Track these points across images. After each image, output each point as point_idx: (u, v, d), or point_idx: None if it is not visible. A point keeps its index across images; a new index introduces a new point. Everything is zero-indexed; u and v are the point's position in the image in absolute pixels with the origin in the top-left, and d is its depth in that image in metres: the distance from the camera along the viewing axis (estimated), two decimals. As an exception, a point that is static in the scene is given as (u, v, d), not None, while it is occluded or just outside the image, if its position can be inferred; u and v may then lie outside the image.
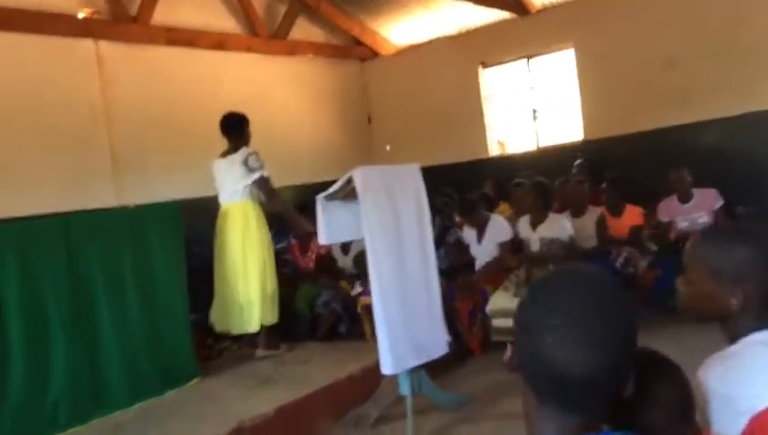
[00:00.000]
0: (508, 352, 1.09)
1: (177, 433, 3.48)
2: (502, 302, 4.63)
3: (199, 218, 5.83)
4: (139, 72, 6.03)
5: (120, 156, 5.84)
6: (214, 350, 5.20)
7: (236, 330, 4.78)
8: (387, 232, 3.50)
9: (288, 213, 5.16)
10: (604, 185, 5.50)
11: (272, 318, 4.77)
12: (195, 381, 4.38)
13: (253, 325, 4.71)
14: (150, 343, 4.20)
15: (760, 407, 1.23)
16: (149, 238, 4.33)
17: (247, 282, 4.68)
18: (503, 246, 5.10)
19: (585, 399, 1.00)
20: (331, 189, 3.67)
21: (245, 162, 4.68)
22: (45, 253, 3.82)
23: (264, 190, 4.78)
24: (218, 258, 4.82)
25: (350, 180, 3.49)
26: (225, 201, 4.84)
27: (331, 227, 3.77)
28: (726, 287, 1.31)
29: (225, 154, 4.85)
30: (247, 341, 4.91)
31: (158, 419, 3.77)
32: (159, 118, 6.12)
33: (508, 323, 4.55)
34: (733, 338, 1.32)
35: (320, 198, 3.74)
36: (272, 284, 4.76)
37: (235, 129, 4.84)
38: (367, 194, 3.42)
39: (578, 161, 6.41)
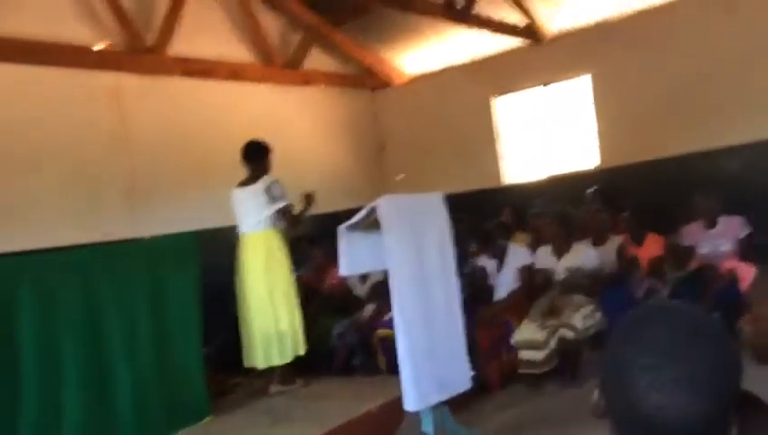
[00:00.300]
0: (595, 396, 1.03)
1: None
2: (528, 333, 4.52)
3: (214, 249, 5.79)
4: (155, 103, 6.05)
5: (136, 187, 5.82)
6: (226, 385, 5.09)
7: (263, 363, 4.65)
8: (410, 263, 3.42)
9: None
10: (625, 213, 5.41)
11: (302, 349, 4.67)
12: (207, 419, 4.26)
13: (285, 357, 4.60)
14: (163, 380, 4.09)
15: None
16: (166, 270, 4.26)
17: (276, 313, 4.58)
18: (522, 271, 5.01)
19: None
20: (354, 219, 3.59)
21: (268, 190, 4.61)
22: (61, 286, 3.76)
23: (288, 219, 4.69)
24: (242, 290, 4.71)
25: (373, 210, 3.42)
26: (247, 231, 4.75)
27: (351, 257, 3.68)
28: None
29: (244, 183, 4.78)
30: (266, 375, 4.77)
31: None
32: (175, 148, 6.12)
33: (536, 355, 4.45)
34: None
35: (341, 228, 3.66)
36: (298, 314, 4.67)
37: (258, 157, 4.77)
38: (391, 224, 3.35)
39: (590, 190, 6.33)
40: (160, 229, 5.61)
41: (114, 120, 5.75)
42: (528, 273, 5.03)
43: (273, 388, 4.68)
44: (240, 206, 4.77)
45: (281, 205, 4.62)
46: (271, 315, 4.58)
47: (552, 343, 4.43)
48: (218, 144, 6.39)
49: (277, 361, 4.61)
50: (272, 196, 4.61)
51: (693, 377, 0.88)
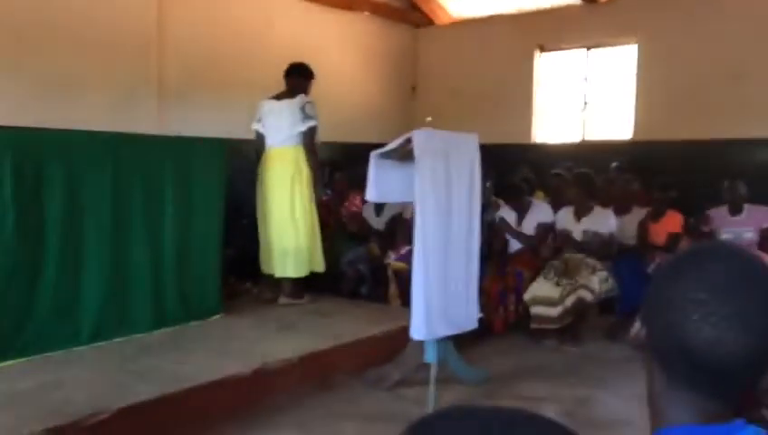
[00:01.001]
0: (636, 326, 1.04)
1: (202, 364, 3.47)
2: (543, 290, 4.58)
3: (237, 160, 5.82)
4: (196, 7, 5.96)
5: (167, 85, 5.80)
6: (237, 289, 5.22)
7: (279, 272, 4.77)
8: (438, 198, 3.45)
9: (314, 172, 4.94)
10: (659, 185, 5.40)
11: (319, 267, 4.77)
12: (218, 316, 4.40)
13: (300, 271, 4.71)
14: (180, 272, 4.20)
15: None
16: (193, 170, 4.31)
17: (296, 227, 4.67)
18: (540, 227, 5.05)
19: (722, 384, 0.93)
20: (388, 147, 3.61)
21: (303, 108, 4.64)
22: (92, 167, 3.80)
23: (309, 140, 4.73)
24: (265, 200, 4.78)
25: (408, 140, 3.43)
26: (275, 144, 4.77)
27: (380, 185, 3.72)
28: None
29: (279, 97, 4.79)
30: (271, 285, 4.88)
31: (182, 347, 3.79)
32: (208, 57, 6.06)
33: (551, 311, 4.51)
34: None
35: (374, 154, 3.68)
36: (318, 232, 4.77)
37: (302, 76, 4.81)
38: (425, 156, 3.37)
39: (614, 163, 6.30)
40: (185, 131, 5.62)
41: (153, 16, 5.68)
42: (546, 231, 5.06)
43: (283, 299, 4.80)
44: (272, 117, 4.78)
45: (311, 123, 4.66)
46: (291, 228, 4.66)
47: (569, 302, 4.49)
48: (253, 59, 6.35)
49: (292, 273, 4.72)
50: (306, 114, 4.65)
51: (745, 314, 0.89)
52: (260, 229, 4.85)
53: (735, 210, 5.09)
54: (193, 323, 4.20)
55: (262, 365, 3.48)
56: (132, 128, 5.29)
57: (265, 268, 4.86)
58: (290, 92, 4.76)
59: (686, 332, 0.90)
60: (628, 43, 6.87)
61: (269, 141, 4.82)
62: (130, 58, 5.55)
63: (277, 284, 4.87)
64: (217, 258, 4.42)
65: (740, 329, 0.89)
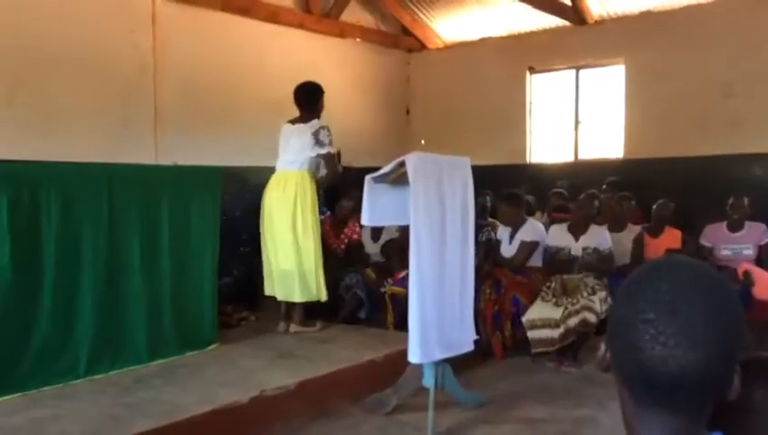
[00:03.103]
0: (601, 350, 1.04)
1: (198, 394, 3.46)
2: (543, 312, 4.56)
3: (234, 187, 5.87)
4: (191, 34, 6.02)
5: (164, 114, 5.84)
6: (233, 319, 5.21)
7: (282, 296, 4.74)
8: (432, 221, 3.46)
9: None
10: (660, 202, 5.44)
11: (323, 295, 4.72)
12: (214, 346, 4.39)
13: (306, 295, 4.66)
14: (176, 302, 4.20)
15: None
16: (189, 199, 4.33)
17: (301, 252, 4.62)
18: (523, 244, 5.05)
19: (684, 400, 0.95)
20: (382, 171, 3.63)
21: (316, 134, 4.65)
22: (88, 197, 3.83)
23: (330, 166, 4.76)
24: (269, 223, 4.73)
25: (402, 164, 3.46)
26: (282, 167, 4.78)
27: (374, 209, 3.74)
28: None
29: (295, 121, 4.80)
30: (283, 313, 4.84)
31: (178, 378, 3.77)
32: (205, 84, 6.11)
33: (552, 333, 4.49)
34: None
35: (368, 178, 3.71)
36: (321, 258, 4.72)
37: (311, 98, 4.81)
38: (418, 180, 3.39)
39: (609, 179, 6.34)
40: (183, 161, 5.66)
41: (149, 46, 5.74)
42: (527, 250, 5.04)
43: (293, 327, 4.76)
44: (282, 141, 4.80)
45: (325, 151, 4.66)
46: (295, 253, 4.61)
47: (571, 323, 4.46)
48: (249, 86, 6.41)
49: (298, 298, 4.67)
50: (319, 140, 4.64)
51: (691, 330, 0.91)
52: (263, 253, 4.81)
53: (736, 227, 5.11)
54: (189, 354, 4.18)
55: (259, 393, 3.46)
56: (129, 158, 5.33)
57: (268, 290, 4.82)
58: (305, 117, 4.76)
59: (641, 351, 0.93)
60: (616, 64, 6.96)
61: (277, 163, 4.83)
62: (126, 88, 5.60)
63: (286, 313, 4.84)
64: (213, 288, 4.42)
65: (687, 345, 0.91)
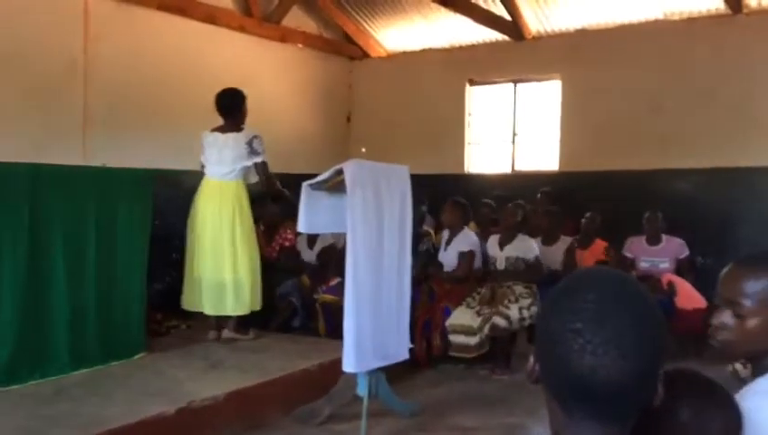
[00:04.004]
0: (530, 363, 1.04)
1: (122, 405, 3.31)
2: (463, 318, 4.63)
3: (167, 191, 5.69)
4: (124, 33, 5.82)
5: (93, 115, 5.62)
6: (162, 327, 5.05)
7: (212, 311, 4.60)
8: (369, 230, 3.45)
9: (283, 195, 4.96)
10: (588, 215, 5.60)
11: (258, 305, 4.65)
12: (141, 355, 4.23)
13: (240, 308, 4.57)
14: (102, 309, 4.02)
15: None
16: (117, 202, 4.16)
17: (236, 263, 4.53)
18: (461, 255, 5.10)
19: (612, 409, 0.96)
20: (319, 178, 3.60)
21: (250, 144, 4.58)
22: (7, 199, 3.63)
23: (264, 175, 4.68)
24: (199, 234, 4.61)
25: (340, 171, 3.43)
26: (215, 176, 4.64)
27: (311, 216, 3.70)
28: None
29: (223, 130, 4.68)
30: (213, 323, 4.71)
31: (102, 388, 3.60)
32: (139, 83, 5.92)
33: (468, 340, 4.55)
34: (757, 373, 1.31)
35: (305, 185, 3.66)
36: (259, 269, 4.65)
37: (233, 105, 4.70)
38: (356, 188, 3.37)
39: (543, 189, 6.50)
40: (112, 163, 5.44)
41: (80, 44, 5.52)
42: (467, 260, 5.10)
43: (226, 333, 4.65)
44: (215, 150, 4.66)
45: (259, 160, 4.59)
46: (230, 264, 4.52)
47: (486, 329, 4.54)
48: (185, 88, 6.24)
49: (231, 311, 4.58)
50: (253, 149, 4.57)
51: (619, 340, 0.92)
52: (188, 263, 4.68)
53: (654, 240, 5.31)
54: (114, 364, 4.01)
55: (187, 404, 3.35)
56: (55, 159, 5.06)
57: (188, 305, 4.68)
58: (234, 126, 4.66)
59: (570, 362, 0.93)
60: (553, 79, 7.15)
61: (208, 173, 4.69)
62: (54, 85, 5.35)
63: (217, 322, 4.70)
64: (142, 294, 4.26)
65: (616, 354, 0.92)
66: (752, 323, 1.31)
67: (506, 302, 4.65)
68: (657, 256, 5.29)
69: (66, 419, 3.12)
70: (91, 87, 5.59)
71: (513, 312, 4.59)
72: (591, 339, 0.92)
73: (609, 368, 0.91)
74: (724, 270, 1.37)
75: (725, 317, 1.34)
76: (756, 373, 1.31)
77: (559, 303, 0.98)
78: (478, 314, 4.63)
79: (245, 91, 4.88)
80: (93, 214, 4.01)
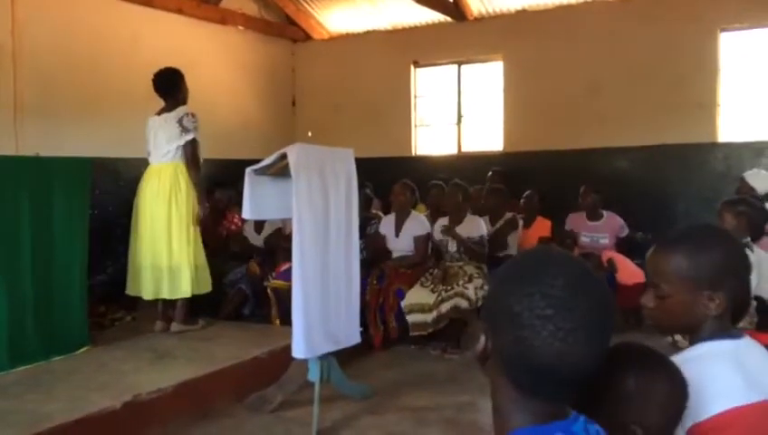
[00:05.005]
0: (481, 341, 1.04)
1: (65, 401, 3.21)
2: (419, 297, 4.67)
3: (106, 180, 5.52)
4: (55, 16, 5.57)
5: (24, 101, 5.37)
6: (106, 319, 4.92)
7: (151, 295, 4.50)
8: (316, 214, 3.42)
9: (196, 187, 4.75)
10: (526, 194, 5.70)
11: (205, 287, 4.55)
12: (84, 349, 4.11)
13: (175, 293, 4.46)
14: (40, 303, 3.88)
15: (700, 419, 1.26)
16: (53, 192, 4.00)
17: (171, 247, 4.41)
18: (418, 240, 5.13)
19: (568, 390, 0.99)
20: (263, 163, 3.54)
21: (180, 121, 4.44)
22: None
23: (190, 154, 4.50)
24: (139, 218, 4.50)
25: (283, 156, 3.38)
26: (154, 161, 4.54)
27: (256, 202, 3.64)
28: (705, 295, 1.31)
29: (160, 112, 4.57)
30: (160, 314, 4.60)
31: (44, 384, 3.49)
32: (74, 68, 5.68)
33: (425, 317, 4.61)
34: (691, 342, 1.36)
35: (249, 171, 3.60)
36: (202, 251, 4.54)
37: (170, 85, 4.56)
38: (300, 172, 3.33)
39: (494, 168, 6.59)
40: (47, 151, 5.21)
41: (7, 28, 5.26)
42: (424, 243, 5.15)
43: (176, 326, 4.55)
44: (153, 134, 4.55)
45: (189, 137, 4.45)
46: (166, 248, 4.42)
47: (444, 308, 4.60)
48: (122, 73, 6.02)
49: (166, 295, 4.48)
50: (183, 127, 4.44)
51: (588, 327, 0.95)
52: (131, 249, 4.56)
53: (594, 216, 5.47)
54: (56, 359, 3.88)
55: (133, 398, 3.27)
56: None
57: (131, 290, 4.58)
58: (170, 106, 4.53)
59: (536, 347, 0.94)
60: (495, 60, 7.21)
61: (150, 158, 4.59)
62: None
63: (164, 312, 4.61)
64: (82, 287, 4.12)
65: (584, 341, 0.94)
66: (671, 302, 1.35)
67: (461, 283, 4.69)
68: (598, 232, 5.44)
69: (6, 416, 3.01)
70: (21, 73, 5.33)
71: (471, 292, 4.64)
72: (562, 326, 0.93)
73: (576, 354, 0.94)
74: (648, 252, 1.41)
75: (647, 299, 1.39)
76: (693, 344, 1.36)
77: (522, 285, 0.97)
78: (432, 291, 4.69)
79: (186, 76, 4.75)
80: (27, 205, 3.85)
